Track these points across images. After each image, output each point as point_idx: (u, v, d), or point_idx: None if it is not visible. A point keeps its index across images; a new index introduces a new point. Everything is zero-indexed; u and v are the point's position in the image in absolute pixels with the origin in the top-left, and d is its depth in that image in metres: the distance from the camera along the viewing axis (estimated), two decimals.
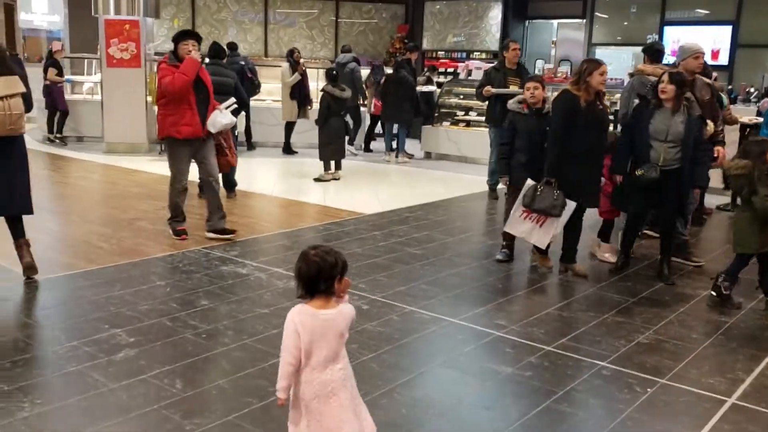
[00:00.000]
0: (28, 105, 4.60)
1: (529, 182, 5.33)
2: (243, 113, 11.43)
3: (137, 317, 4.15)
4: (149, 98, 11.18)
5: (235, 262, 5.36)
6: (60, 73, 11.85)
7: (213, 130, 5.90)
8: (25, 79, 4.59)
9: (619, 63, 14.62)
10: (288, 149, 11.83)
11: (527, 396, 3.37)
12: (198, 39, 5.99)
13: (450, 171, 10.58)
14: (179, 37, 5.88)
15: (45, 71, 11.81)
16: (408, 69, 11.61)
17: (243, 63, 11.74)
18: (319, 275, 2.34)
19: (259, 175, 9.57)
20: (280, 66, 12.06)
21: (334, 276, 2.35)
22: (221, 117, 5.92)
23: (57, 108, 11.90)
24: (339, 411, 2.37)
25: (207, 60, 8.87)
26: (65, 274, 4.98)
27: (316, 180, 9.19)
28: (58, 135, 11.96)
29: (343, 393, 2.38)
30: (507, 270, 5.50)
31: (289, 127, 11.78)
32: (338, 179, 9.32)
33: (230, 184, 7.98)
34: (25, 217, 4.87)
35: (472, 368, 3.69)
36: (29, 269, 4.82)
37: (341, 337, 2.38)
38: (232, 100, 6.24)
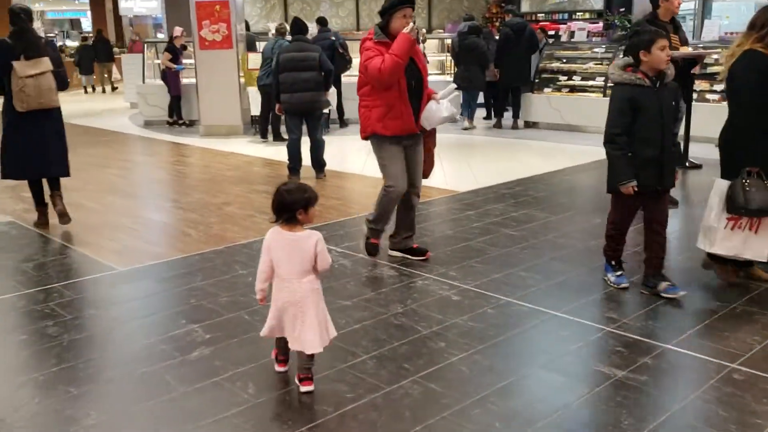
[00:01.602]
0: (61, 82, 5.56)
1: (720, 183, 4.11)
2: (334, 90, 11.23)
3: (216, 311, 3.95)
4: (242, 80, 11.17)
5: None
6: (174, 59, 12.02)
7: (428, 126, 4.68)
8: (56, 61, 5.58)
9: (738, 16, 13.31)
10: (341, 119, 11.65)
11: (643, 406, 2.89)
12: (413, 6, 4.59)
13: (552, 141, 9.93)
14: (393, 6, 4.47)
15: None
16: (487, 33, 11.76)
17: (333, 38, 11.48)
18: (282, 207, 2.95)
19: (351, 154, 9.30)
20: None
21: (295, 209, 2.93)
22: (440, 110, 4.61)
23: (173, 92, 12.12)
24: (303, 317, 2.94)
25: (289, 37, 8.70)
26: (151, 263, 4.87)
27: None
28: (176, 119, 12.22)
29: (309, 303, 2.95)
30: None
31: None
32: None
33: (319, 164, 7.75)
34: (122, 205, 5.54)
35: (578, 371, 3.23)
36: (62, 216, 5.70)
37: (304, 256, 2.93)
38: (452, 87, 4.84)
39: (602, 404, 2.93)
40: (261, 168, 8.41)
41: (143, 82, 13.04)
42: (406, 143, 4.67)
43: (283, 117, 7.83)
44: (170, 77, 12.08)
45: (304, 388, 3.02)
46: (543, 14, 16.69)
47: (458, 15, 17.23)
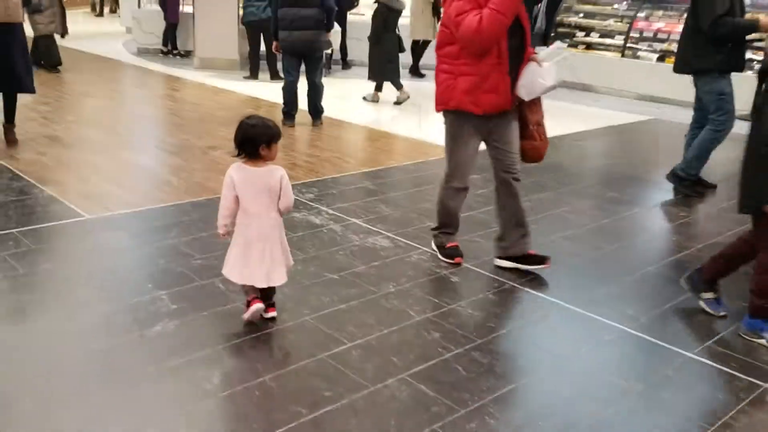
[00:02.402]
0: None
1: None
2: (338, 28, 10.60)
3: (187, 275, 3.52)
4: (241, 11, 10.51)
5: (309, 208, 4.64)
6: None
7: (526, 96, 3.58)
8: None
9: None
10: (416, 71, 10.88)
11: (664, 427, 2.50)
12: None
13: (563, 101, 9.37)
14: None
15: None
16: None
17: None
18: (244, 141, 2.90)
19: (351, 101, 8.75)
20: None
21: (258, 144, 2.88)
22: (543, 76, 3.53)
23: (170, 20, 11.44)
24: (272, 252, 2.96)
25: None
26: (122, 212, 4.42)
27: (365, 99, 8.57)
28: (171, 49, 11.57)
29: (275, 239, 2.98)
30: (644, 236, 4.53)
31: (423, 45, 10.79)
32: (400, 102, 8.62)
33: (316, 110, 7.24)
34: (100, 141, 5.53)
35: (589, 381, 2.84)
36: (11, 142, 5.76)
37: (270, 191, 2.92)
38: (557, 45, 3.98)
39: (618, 425, 2.54)
40: (252, 109, 7.87)
41: (139, 6, 12.34)
42: (495, 123, 3.63)
43: (279, 56, 7.28)
44: (169, 2, 11.40)
45: (270, 314, 3.10)
46: None
47: None
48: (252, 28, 9.65)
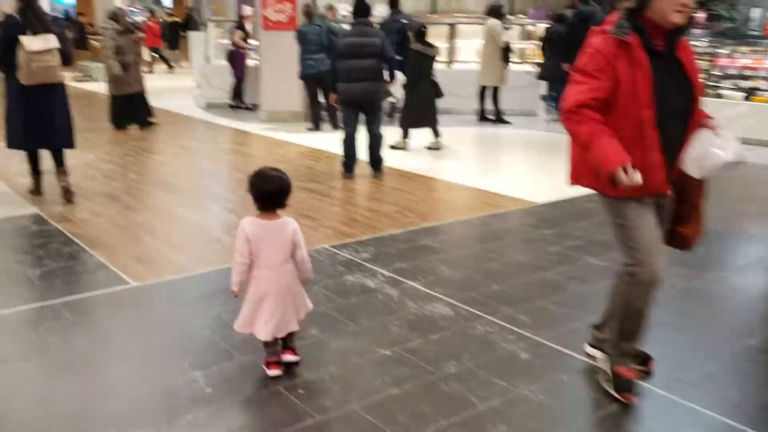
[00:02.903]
0: (65, 58, 5.67)
1: None
2: (401, 77, 10.42)
3: (228, 352, 3.23)
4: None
5: (364, 270, 4.32)
6: (246, 39, 11.47)
7: (697, 173, 2.75)
8: (61, 37, 5.68)
9: None
10: (483, 117, 10.62)
11: None
12: None
13: None
14: None
15: (231, 35, 11.53)
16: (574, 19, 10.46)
17: (405, 21, 10.67)
18: (280, 191, 2.91)
19: (416, 151, 8.47)
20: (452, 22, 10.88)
21: (280, 199, 2.92)
22: (718, 146, 2.70)
23: (237, 75, 11.55)
24: (292, 301, 2.98)
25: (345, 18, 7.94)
26: (170, 278, 4.21)
27: (393, 147, 8.16)
28: (239, 103, 11.67)
29: (293, 290, 2.98)
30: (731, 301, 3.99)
31: (492, 91, 10.55)
32: (438, 149, 8.30)
33: (376, 161, 6.98)
34: (160, 199, 5.52)
35: None
36: (66, 192, 5.83)
37: (287, 243, 2.92)
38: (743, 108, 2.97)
39: None
40: (314, 161, 7.69)
41: (207, 62, 12.54)
42: (656, 201, 2.83)
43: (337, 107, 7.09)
44: (237, 58, 11.51)
45: (290, 358, 3.07)
46: None
47: (543, 0, 16.08)
48: (310, 81, 9.59)
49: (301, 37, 9.48)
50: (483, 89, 10.56)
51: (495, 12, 10.49)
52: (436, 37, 12.17)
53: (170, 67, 19.49)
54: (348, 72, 6.66)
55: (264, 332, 2.96)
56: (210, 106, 12.02)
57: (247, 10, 11.75)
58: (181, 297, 3.97)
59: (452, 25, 11.98)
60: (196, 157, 8.20)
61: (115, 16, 9.56)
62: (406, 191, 6.41)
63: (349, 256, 4.56)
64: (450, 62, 11.81)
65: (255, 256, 2.91)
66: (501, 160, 7.94)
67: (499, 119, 10.62)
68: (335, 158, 7.41)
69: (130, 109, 9.55)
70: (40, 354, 3.21)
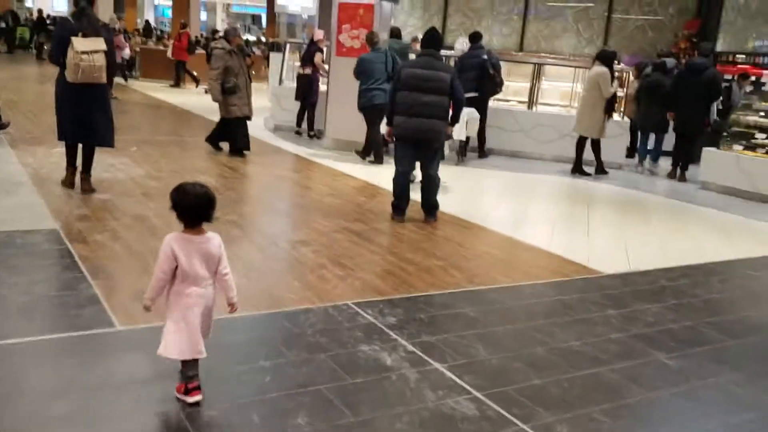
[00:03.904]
0: (110, 62, 5.99)
1: None
2: (477, 116, 9.81)
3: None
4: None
5: (384, 340, 3.67)
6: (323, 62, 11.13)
7: None
8: (109, 43, 6.01)
9: None
10: (578, 169, 9.80)
11: None
12: None
13: (736, 213, 7.86)
14: None
15: (304, 60, 11.12)
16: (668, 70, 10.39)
17: (485, 57, 10.09)
18: (192, 210, 2.82)
19: (479, 196, 7.81)
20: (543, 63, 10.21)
21: (207, 214, 2.84)
22: None
23: (307, 98, 11.12)
24: (200, 324, 2.85)
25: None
26: (158, 324, 3.69)
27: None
28: (308, 131, 11.23)
29: (208, 309, 2.89)
30: None
31: (584, 142, 9.75)
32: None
33: (430, 205, 6.35)
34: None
35: None
36: (85, 187, 6.25)
37: (215, 258, 2.87)
38: None
39: None
40: (367, 198, 7.14)
41: (279, 83, 12.28)
42: None
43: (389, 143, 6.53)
44: (315, 82, 11.10)
45: (193, 399, 2.85)
46: (744, 55, 14.20)
47: (639, 47, 15.19)
48: (374, 111, 9.08)
49: (366, 66, 8.98)
50: (582, 139, 9.74)
51: (607, 59, 9.63)
52: (519, 76, 11.56)
53: (197, 83, 18.81)
54: (408, 105, 6.10)
55: (182, 351, 2.83)
56: (277, 129, 11.72)
57: (320, 33, 11.40)
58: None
59: (538, 65, 11.28)
60: (244, 182, 7.79)
61: (227, 35, 9.08)
62: (457, 243, 5.73)
63: (372, 319, 3.93)
64: (531, 104, 11.10)
65: (186, 273, 2.79)
66: (573, 217, 7.16)
67: (599, 170, 9.79)
68: (388, 195, 6.82)
69: (229, 133, 8.95)
70: None
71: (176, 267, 2.78)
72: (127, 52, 14.87)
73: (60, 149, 6.64)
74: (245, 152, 8.96)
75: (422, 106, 6.05)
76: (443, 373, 3.36)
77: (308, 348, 3.51)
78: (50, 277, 4.19)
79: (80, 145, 6.30)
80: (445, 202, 6.68)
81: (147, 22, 21.17)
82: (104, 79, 5.96)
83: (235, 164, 8.43)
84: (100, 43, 5.87)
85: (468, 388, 3.23)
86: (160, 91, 16.63)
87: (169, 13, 26.99)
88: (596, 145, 9.72)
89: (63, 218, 5.41)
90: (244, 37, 20.70)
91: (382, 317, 3.97)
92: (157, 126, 11.42)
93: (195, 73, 17.63)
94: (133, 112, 12.43)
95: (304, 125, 11.34)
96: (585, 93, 9.68)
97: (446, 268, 5.02)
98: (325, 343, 3.57)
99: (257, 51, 19.62)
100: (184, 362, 2.87)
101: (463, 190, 8.16)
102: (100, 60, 5.86)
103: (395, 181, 6.34)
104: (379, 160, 9.24)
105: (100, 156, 7.70)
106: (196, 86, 17.73)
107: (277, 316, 3.90)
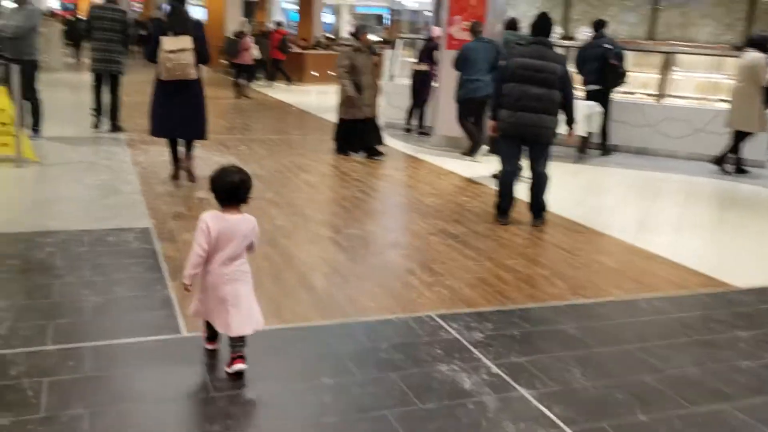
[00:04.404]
0: (201, 58, 6.22)
1: None
2: (599, 110, 9.11)
3: None
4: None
5: (466, 359, 3.27)
6: (434, 61, 10.81)
7: None
8: (200, 40, 6.21)
9: None
10: (739, 167, 8.89)
11: None
12: None
13: None
14: None
15: (422, 56, 10.85)
16: None
17: (608, 46, 9.34)
18: (241, 185, 2.94)
19: (598, 197, 7.16)
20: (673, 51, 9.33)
21: (244, 196, 2.95)
22: None
23: (420, 95, 10.82)
24: (235, 300, 2.93)
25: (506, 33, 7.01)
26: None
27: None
28: (418, 128, 10.94)
29: (241, 285, 2.96)
30: None
31: (741, 137, 8.82)
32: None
33: (538, 207, 5.84)
34: (278, 226, 5.26)
35: None
36: (188, 173, 6.57)
37: (244, 239, 2.95)
38: None
39: None
40: (469, 198, 6.70)
41: (390, 79, 12.02)
42: None
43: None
44: (429, 79, 10.76)
45: (235, 367, 2.95)
46: None
47: None
48: (474, 104, 8.62)
49: (470, 55, 8.56)
50: (739, 134, 8.78)
51: (760, 44, 8.63)
52: (648, 66, 10.66)
53: (289, 81, 18.95)
54: (515, 98, 5.62)
55: (198, 312, 3.06)
56: (388, 126, 11.47)
57: (437, 30, 11.02)
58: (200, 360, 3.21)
59: (668, 54, 10.33)
60: (344, 180, 7.54)
61: (357, 32, 8.69)
62: (565, 249, 5.20)
63: (456, 335, 3.53)
64: (659, 96, 10.18)
65: (215, 251, 2.90)
66: (704, 222, 6.39)
67: (738, 169, 8.84)
68: (493, 196, 6.36)
69: (356, 135, 8.56)
70: (15, 422, 2.59)
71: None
72: (255, 53, 15.24)
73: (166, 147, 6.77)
74: (380, 151, 8.54)
75: (531, 100, 5.56)
76: (529, 401, 2.92)
77: (379, 365, 3.17)
78: (130, 276, 4.11)
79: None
80: (557, 202, 6.14)
81: (278, 23, 21.81)
82: (193, 75, 6.17)
83: (339, 162, 8.25)
84: (187, 42, 6.09)
85: (557, 421, 2.77)
86: (279, 91, 16.91)
87: (297, 16, 27.63)
88: (741, 139, 8.71)
89: (158, 216, 5.40)
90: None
91: (467, 332, 3.56)
92: (270, 125, 11.51)
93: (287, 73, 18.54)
94: (249, 112, 12.64)
95: (415, 122, 11.03)
96: (738, 84, 8.68)
97: (549, 278, 4.52)
98: (399, 360, 3.23)
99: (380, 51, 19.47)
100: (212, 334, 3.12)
101: (580, 189, 7.54)
102: (187, 57, 6.09)
103: (501, 180, 5.88)
104: (473, 153, 8.84)
105: (207, 154, 7.82)
106: (288, 84, 18.26)
107: (351, 327, 3.59)
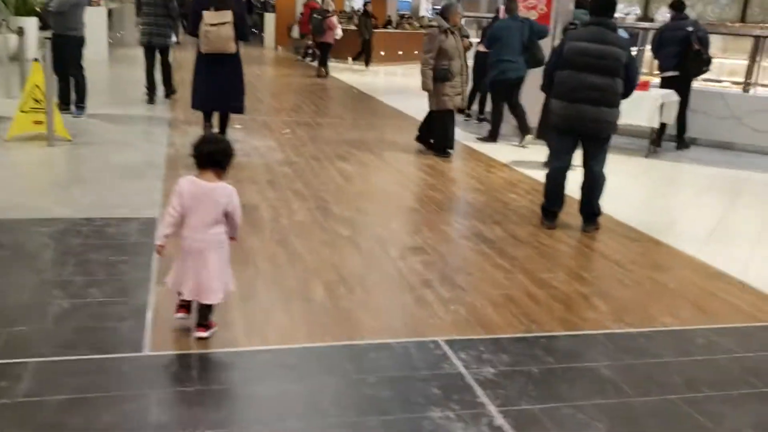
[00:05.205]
0: (241, 33, 6.47)
1: None
2: (676, 99, 8.24)
3: None
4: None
5: (466, 403, 2.69)
6: None
7: None
8: (240, 15, 6.43)
9: None
10: None
11: None
12: None
13: None
14: None
15: (484, 36, 10.19)
16: None
17: (691, 29, 8.43)
18: (217, 151, 3.02)
19: (668, 197, 6.36)
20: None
21: (225, 165, 3.04)
22: None
23: (482, 78, 10.14)
24: (205, 266, 2.97)
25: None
26: (191, 352, 3.05)
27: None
28: (479, 113, 10.28)
29: (213, 252, 2.99)
30: None
31: None
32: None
33: (591, 210, 5.16)
34: (299, 224, 4.84)
35: None
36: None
37: (216, 205, 2.97)
38: None
39: None
40: (518, 196, 6.05)
41: None
42: None
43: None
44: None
45: (198, 334, 3.02)
46: None
47: None
48: (506, 86, 7.96)
49: (502, 34, 8.03)
50: None
51: None
52: (737, 52, 9.63)
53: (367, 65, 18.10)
54: (570, 88, 4.95)
55: (174, 284, 3.09)
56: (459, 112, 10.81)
57: (503, 10, 10.27)
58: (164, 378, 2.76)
59: (759, 39, 9.27)
60: (381, 172, 6.97)
61: (445, 11, 7.36)
62: (615, 262, 4.52)
63: (462, 369, 2.97)
64: (747, 85, 9.15)
65: (186, 215, 2.96)
66: None
67: None
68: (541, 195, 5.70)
69: (435, 127, 7.58)
70: None
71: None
72: (339, 33, 15.16)
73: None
74: (449, 151, 7.58)
75: (589, 90, 4.88)
76: None
77: (360, 406, 2.66)
78: (113, 277, 3.73)
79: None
80: (616, 203, 5.49)
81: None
82: (233, 49, 6.44)
83: (380, 151, 7.70)
84: (227, 16, 6.35)
85: None
86: (345, 71, 16.46)
87: None
88: None
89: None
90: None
91: (476, 366, 3.00)
92: (323, 107, 11.05)
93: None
94: (303, 93, 12.22)
95: (475, 107, 10.36)
96: None
97: (589, 297, 3.88)
98: (386, 400, 2.70)
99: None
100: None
101: (647, 189, 6.76)
102: (227, 31, 6.35)
103: (549, 177, 5.23)
104: (491, 139, 8.40)
105: (247, 137, 7.45)
106: (313, 60, 17.16)
107: (340, 352, 3.08)
